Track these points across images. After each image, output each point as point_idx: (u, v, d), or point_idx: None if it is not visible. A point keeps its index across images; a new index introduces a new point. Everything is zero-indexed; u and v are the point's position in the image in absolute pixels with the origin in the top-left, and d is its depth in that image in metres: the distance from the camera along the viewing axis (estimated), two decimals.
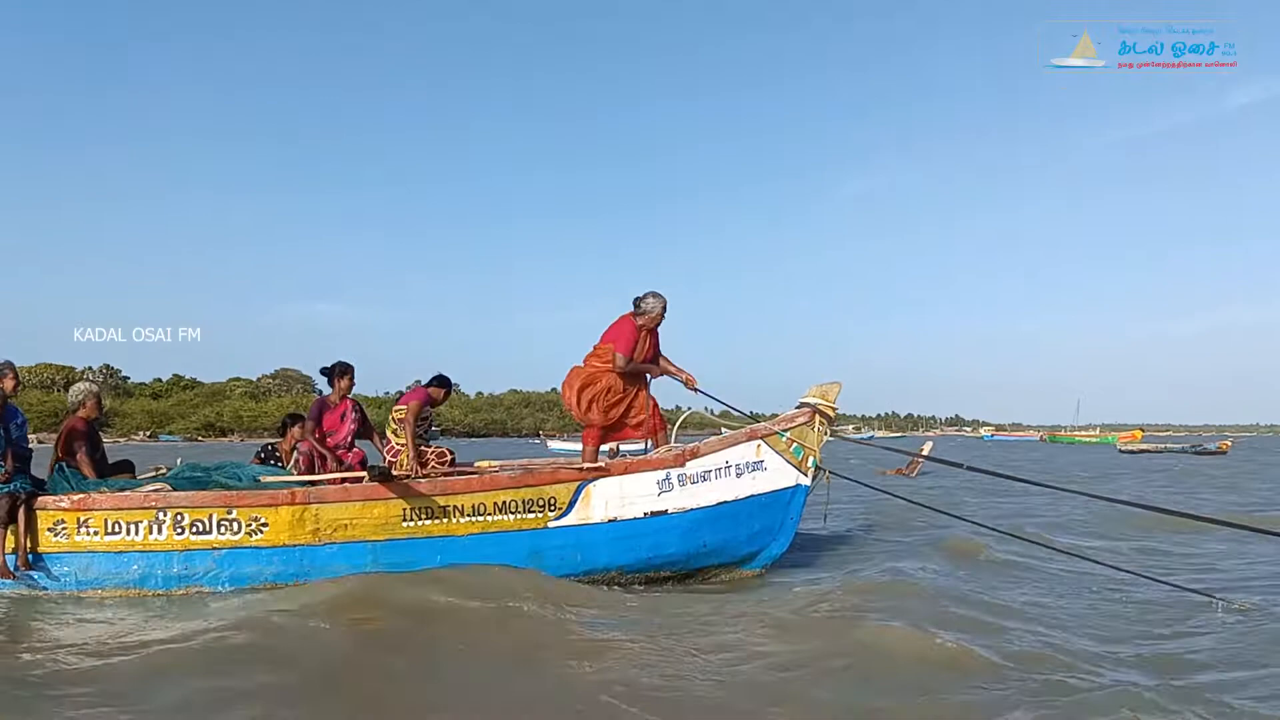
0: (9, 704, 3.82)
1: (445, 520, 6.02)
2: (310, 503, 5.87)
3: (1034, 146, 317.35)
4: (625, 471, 6.40)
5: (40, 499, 5.77)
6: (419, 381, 6.99)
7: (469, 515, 6.06)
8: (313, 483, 6.14)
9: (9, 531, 5.64)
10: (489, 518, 6.08)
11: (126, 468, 6.85)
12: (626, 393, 6.88)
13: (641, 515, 6.38)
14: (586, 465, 6.37)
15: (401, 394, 6.75)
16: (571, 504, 6.24)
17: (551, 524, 6.19)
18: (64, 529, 5.76)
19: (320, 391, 7.16)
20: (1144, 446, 45.88)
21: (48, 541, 5.76)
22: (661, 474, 6.47)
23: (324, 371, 7.22)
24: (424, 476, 6.10)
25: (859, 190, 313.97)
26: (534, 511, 6.16)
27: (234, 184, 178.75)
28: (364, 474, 6.11)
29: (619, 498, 6.34)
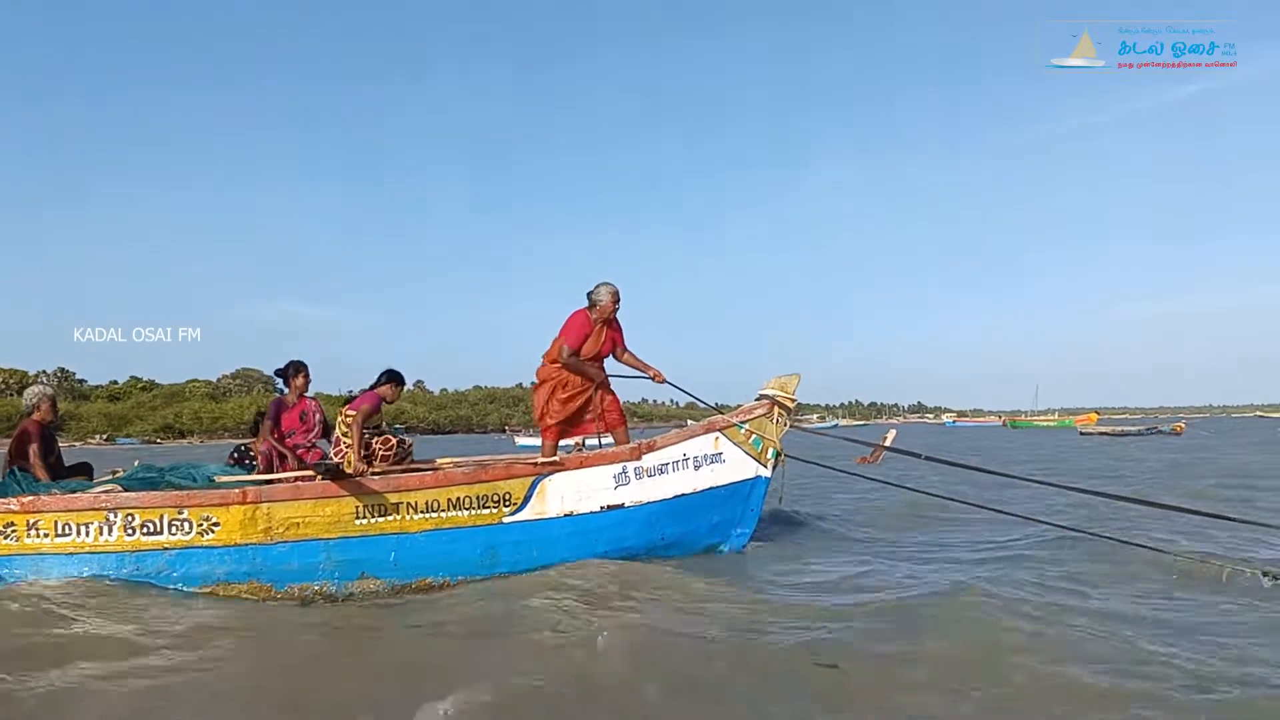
0: None
1: (398, 517, 5.99)
2: (261, 501, 5.83)
3: (993, 137, 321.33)
4: (581, 466, 6.38)
5: None
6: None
7: (423, 512, 6.03)
8: (268, 482, 6.12)
9: None
10: (443, 514, 6.06)
11: (84, 470, 6.81)
12: (584, 386, 6.85)
13: (598, 509, 6.37)
14: (541, 460, 6.34)
15: (354, 395, 6.70)
16: (527, 499, 6.23)
17: (506, 519, 6.17)
18: (14, 531, 5.71)
19: (282, 391, 7.13)
20: (1103, 430, 46.74)
21: None
22: (618, 468, 6.46)
23: (278, 373, 7.19)
24: (373, 473, 6.09)
25: (824, 181, 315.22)
26: (489, 507, 6.14)
27: (189, 183, 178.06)
28: (312, 472, 6.08)
29: (575, 492, 6.32)
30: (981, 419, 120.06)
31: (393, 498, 5.98)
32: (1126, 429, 47.58)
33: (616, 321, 6.98)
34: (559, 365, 6.74)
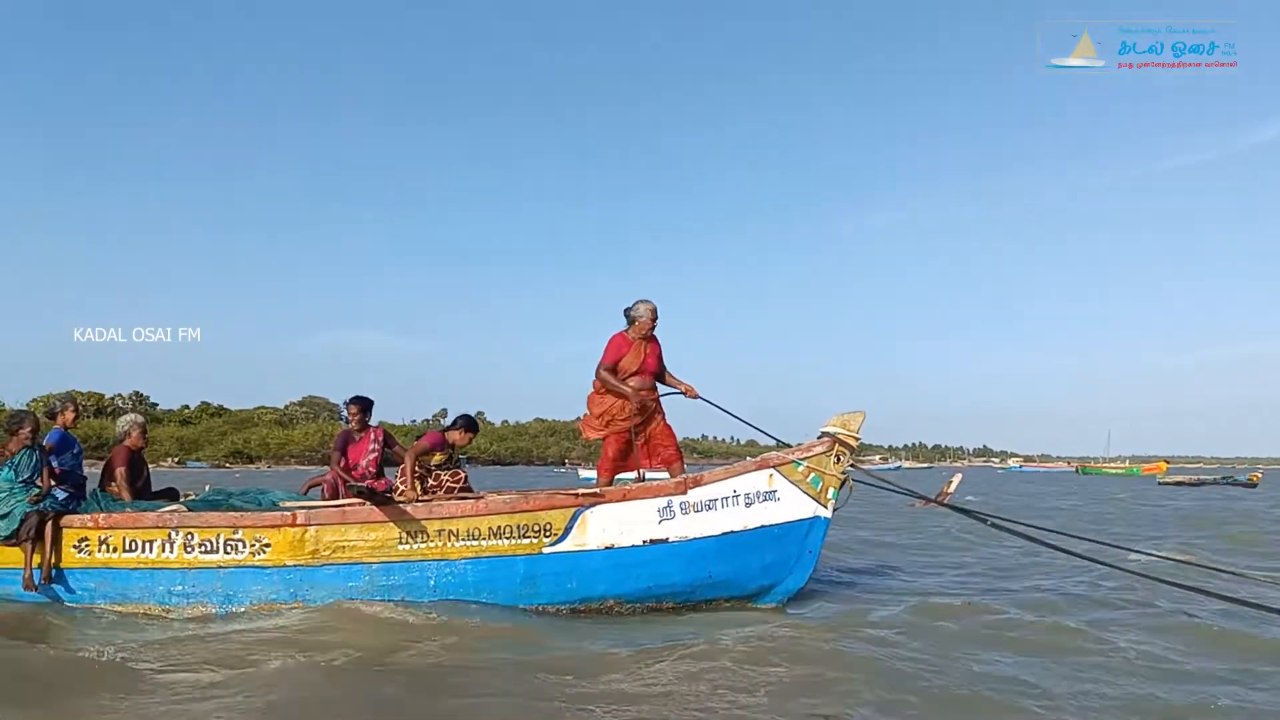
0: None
1: (440, 544, 6.02)
2: (310, 525, 5.99)
3: (1064, 178, 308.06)
4: (623, 498, 6.26)
5: (66, 518, 6.10)
6: (444, 413, 7.10)
7: (464, 539, 6.04)
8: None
9: (35, 547, 6.01)
10: (483, 542, 6.05)
11: (170, 495, 7.19)
12: (637, 414, 6.81)
13: (640, 543, 6.22)
14: (582, 491, 6.27)
15: (426, 423, 6.88)
16: (567, 530, 6.15)
17: (546, 550, 6.10)
18: (87, 546, 6.06)
19: (348, 421, 7.36)
20: (1180, 479, 45.08)
21: (72, 557, 6.05)
22: (662, 501, 6.31)
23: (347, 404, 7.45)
24: (423, 500, 6.17)
25: (888, 221, 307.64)
26: (529, 537, 6.09)
27: (260, 214, 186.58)
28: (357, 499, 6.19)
29: (616, 525, 6.19)
30: (1049, 464, 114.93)
31: (435, 525, 6.03)
32: (1204, 478, 46.21)
33: (657, 340, 6.92)
34: (598, 394, 6.76)
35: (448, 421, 7.04)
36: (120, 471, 6.77)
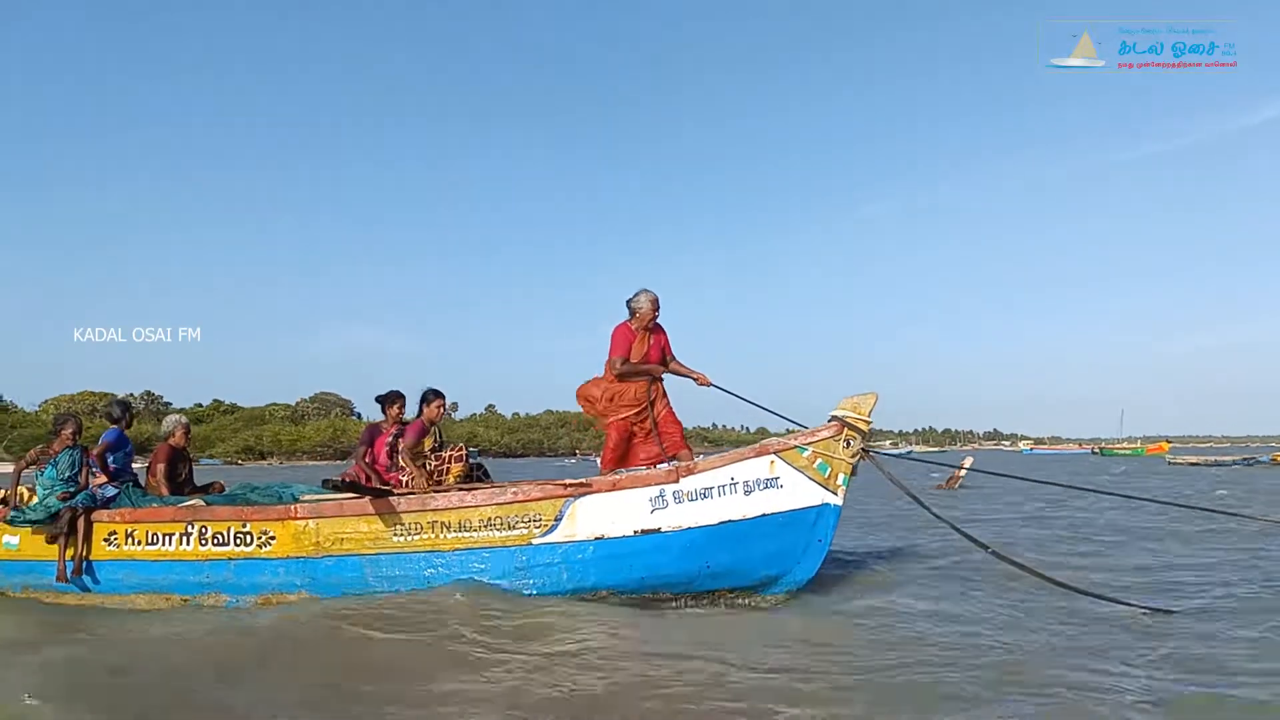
0: None
1: (433, 535, 6.09)
2: (311, 518, 6.18)
3: (1069, 162, 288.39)
4: (614, 488, 6.16)
5: (97, 512, 6.50)
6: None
7: (455, 531, 6.09)
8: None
9: (68, 541, 6.43)
10: (475, 534, 6.09)
11: (212, 489, 7.57)
12: (639, 401, 6.76)
13: (631, 533, 6.12)
14: (571, 481, 6.23)
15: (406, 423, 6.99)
16: (557, 521, 6.10)
17: (536, 540, 6.09)
18: (115, 539, 6.43)
19: (360, 415, 7.57)
20: (1193, 459, 41.25)
21: (102, 550, 6.43)
22: (654, 490, 6.18)
23: (378, 399, 7.63)
24: (436, 489, 6.28)
25: (899, 206, 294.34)
26: (519, 528, 6.09)
27: (274, 211, 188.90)
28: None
29: (606, 515, 6.10)
30: (1060, 446, 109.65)
31: (428, 517, 6.10)
32: (1220, 459, 41.50)
33: (661, 329, 6.86)
34: (607, 388, 6.70)
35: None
36: (160, 468, 7.15)
